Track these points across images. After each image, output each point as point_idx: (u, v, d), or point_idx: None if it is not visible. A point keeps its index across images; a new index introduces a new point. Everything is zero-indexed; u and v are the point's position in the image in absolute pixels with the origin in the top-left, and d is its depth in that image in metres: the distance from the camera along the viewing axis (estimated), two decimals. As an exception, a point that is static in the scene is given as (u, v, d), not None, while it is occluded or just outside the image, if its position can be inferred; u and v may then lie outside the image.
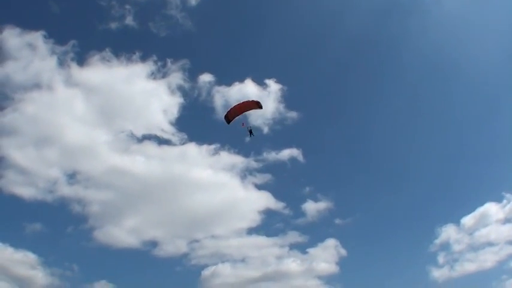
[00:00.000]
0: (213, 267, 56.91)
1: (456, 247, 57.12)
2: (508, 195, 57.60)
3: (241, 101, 31.87)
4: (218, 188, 62.44)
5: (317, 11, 74.83)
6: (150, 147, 61.83)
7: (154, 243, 57.33)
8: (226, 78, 70.50)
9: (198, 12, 68.69)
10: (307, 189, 64.84)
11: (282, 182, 65.75)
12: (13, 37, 57.34)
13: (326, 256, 57.94)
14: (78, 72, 60.14)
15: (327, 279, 56.05)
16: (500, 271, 54.56)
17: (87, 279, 54.36)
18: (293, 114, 66.30)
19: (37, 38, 58.81)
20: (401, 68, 75.06)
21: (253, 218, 59.57)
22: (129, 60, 62.91)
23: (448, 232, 58.15)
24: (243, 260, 58.03)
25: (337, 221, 62.24)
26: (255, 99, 32.91)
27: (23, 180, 55.27)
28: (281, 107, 65.39)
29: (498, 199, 58.86)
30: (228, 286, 55.86)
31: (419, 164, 71.54)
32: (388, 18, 75.02)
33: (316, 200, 62.62)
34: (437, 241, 57.99)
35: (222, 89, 64.76)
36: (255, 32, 74.99)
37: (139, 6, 66.72)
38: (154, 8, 68.80)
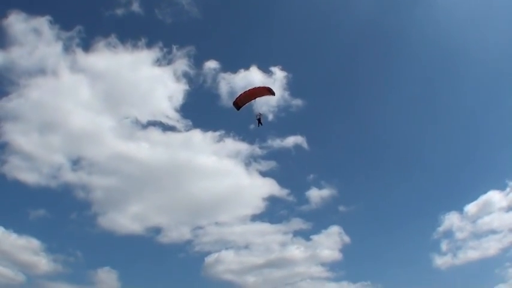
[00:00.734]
0: (217, 254, 57.58)
1: (459, 235, 57.60)
2: (511, 183, 57.69)
3: (253, 87, 31.25)
4: (222, 175, 62.67)
5: (323, -2, 73.90)
6: (155, 133, 61.85)
7: (158, 230, 57.76)
8: (231, 65, 70.08)
9: (204, -2, 67.91)
10: (311, 176, 65.17)
11: (286, 169, 66.10)
12: (19, 22, 56.52)
13: (330, 243, 58.47)
14: (83, 58, 59.75)
15: (331, 266, 56.69)
16: (503, 259, 55.05)
17: (91, 266, 55.29)
18: (298, 102, 66.12)
19: (43, 23, 58.10)
20: (407, 56, 74.87)
21: (257, 205, 59.92)
22: (135, 46, 62.34)
23: (451, 220, 58.54)
24: (246, 247, 58.64)
25: (341, 208, 62.64)
26: (265, 85, 32.32)
27: (27, 166, 55.39)
28: (286, 94, 65.12)
29: (501, 187, 59.00)
30: (232, 273, 56.47)
31: (422, 151, 72.10)
32: (396, 5, 74.56)
33: (320, 187, 62.92)
34: (441, 229, 58.35)
35: (228, 76, 64.56)
36: (260, 19, 74.56)
37: (145, -7, 65.68)
38: (161, -5, 67.86)
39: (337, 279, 55.65)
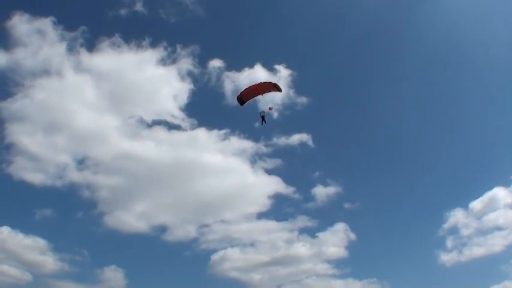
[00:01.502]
0: (222, 252, 57.61)
1: (464, 231, 57.37)
2: (516, 180, 57.64)
3: (258, 82, 31.09)
4: (228, 173, 62.79)
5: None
6: (160, 132, 61.95)
7: (163, 228, 57.93)
8: (236, 64, 70.80)
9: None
10: (317, 173, 65.39)
11: (291, 167, 66.24)
12: (22, 23, 56.89)
13: (335, 240, 58.45)
14: (87, 58, 59.97)
15: (336, 263, 56.68)
16: (509, 255, 54.70)
17: (97, 265, 55.27)
18: (303, 100, 66.06)
19: (46, 24, 58.41)
20: (412, 53, 74.30)
21: (263, 203, 60.01)
22: (139, 46, 62.62)
23: (457, 216, 58.37)
24: (252, 245, 58.72)
25: (347, 205, 62.57)
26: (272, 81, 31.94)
27: (33, 166, 55.82)
28: (291, 92, 64.99)
29: (507, 183, 58.62)
30: (237, 270, 56.55)
31: (428, 148, 71.91)
32: (402, 3, 74.43)
33: (325, 184, 62.99)
34: (446, 225, 58.23)
35: (232, 74, 64.52)
36: (264, 17, 74.59)
37: (149, -8, 65.91)
38: (164, -6, 68.02)
39: (342, 277, 55.85)
